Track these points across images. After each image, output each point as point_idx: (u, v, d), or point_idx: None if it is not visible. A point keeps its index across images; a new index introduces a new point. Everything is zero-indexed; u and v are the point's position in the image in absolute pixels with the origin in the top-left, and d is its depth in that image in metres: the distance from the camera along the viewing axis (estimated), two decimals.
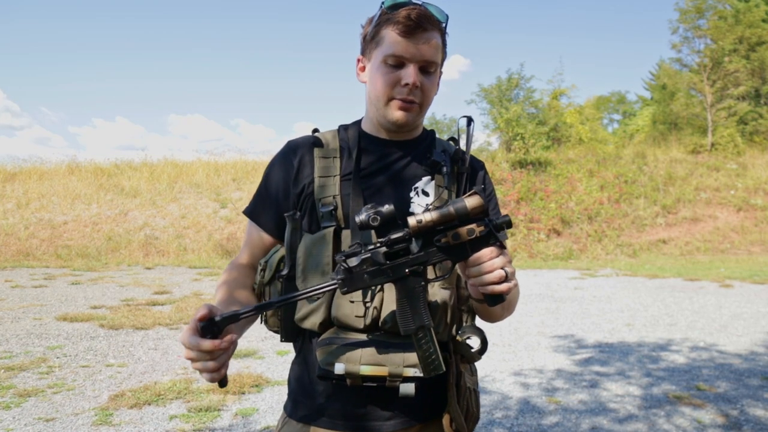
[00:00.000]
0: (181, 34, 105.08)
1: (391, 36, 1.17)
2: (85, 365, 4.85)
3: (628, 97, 39.21)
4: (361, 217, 1.01)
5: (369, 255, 1.02)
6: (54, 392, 4.16)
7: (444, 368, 1.07)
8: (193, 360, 1.00)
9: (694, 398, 4.13)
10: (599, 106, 35.29)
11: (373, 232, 1.09)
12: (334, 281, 1.02)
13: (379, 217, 1.00)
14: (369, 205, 1.02)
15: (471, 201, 1.01)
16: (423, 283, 1.05)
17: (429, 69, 1.20)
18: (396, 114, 1.21)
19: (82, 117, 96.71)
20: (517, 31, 77.37)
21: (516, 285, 1.22)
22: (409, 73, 1.17)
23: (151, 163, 18.15)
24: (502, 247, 1.04)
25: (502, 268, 1.02)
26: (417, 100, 1.20)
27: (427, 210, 1.01)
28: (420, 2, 1.19)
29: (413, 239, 1.03)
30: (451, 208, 1.00)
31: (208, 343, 0.97)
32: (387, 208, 1.01)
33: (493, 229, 1.03)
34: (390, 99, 1.20)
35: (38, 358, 5.01)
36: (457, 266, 1.09)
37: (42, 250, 13.49)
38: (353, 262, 1.01)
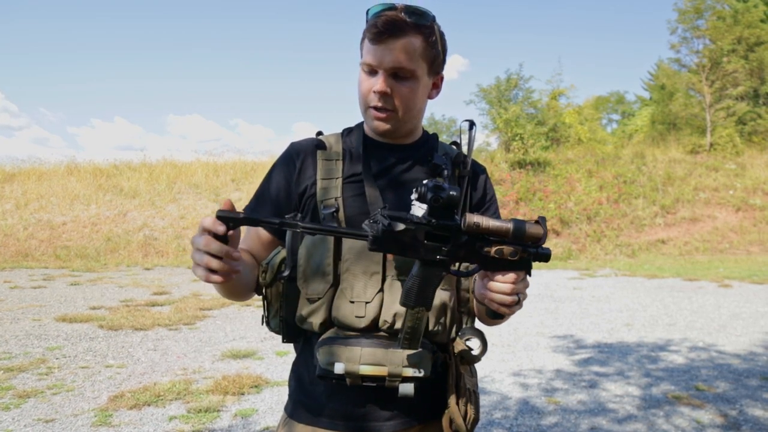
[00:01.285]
0: (179, 34, 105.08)
1: (365, 44, 1.18)
2: (85, 366, 4.85)
3: (626, 97, 39.24)
4: (422, 189, 0.99)
5: (413, 227, 0.99)
6: (53, 393, 4.16)
7: (419, 347, 1.08)
8: (201, 248, 0.96)
9: (693, 398, 4.14)
10: (598, 107, 35.31)
11: (421, 208, 1.07)
12: (368, 235, 0.98)
13: (441, 199, 0.98)
14: (437, 183, 0.99)
15: (532, 228, 1.00)
16: (444, 273, 1.04)
17: (401, 75, 1.18)
18: (373, 123, 1.22)
19: (81, 117, 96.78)
20: (516, 31, 77.46)
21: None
22: (377, 81, 1.17)
23: (150, 163, 18.16)
24: (529, 275, 1.06)
25: (518, 294, 1.05)
26: (389, 107, 1.19)
27: (488, 216, 1.00)
28: (402, 5, 1.18)
29: (460, 234, 1.01)
30: (510, 226, 0.99)
31: (220, 247, 0.95)
32: (453, 194, 0.98)
33: (534, 258, 1.03)
34: (366, 107, 1.22)
35: (37, 359, 5.00)
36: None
37: (41, 251, 13.48)
38: (398, 227, 0.98)
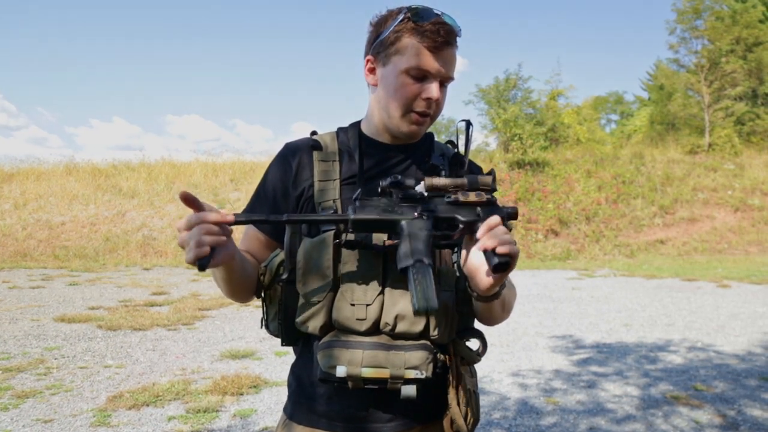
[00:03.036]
0: (177, 34, 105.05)
1: (416, 48, 1.16)
2: (83, 366, 4.85)
3: (625, 97, 39.28)
4: (384, 184, 1.07)
5: (384, 199, 1.07)
6: (52, 393, 4.16)
7: (437, 305, 1.03)
8: (187, 228, 0.96)
9: (692, 398, 4.14)
10: (597, 107, 35.34)
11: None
12: (346, 218, 1.05)
13: (402, 193, 1.07)
14: (392, 178, 1.07)
15: (482, 178, 1.10)
16: (430, 229, 1.06)
17: (446, 83, 1.21)
18: (411, 127, 1.22)
19: (79, 117, 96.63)
20: (515, 31, 77.51)
21: (512, 286, 1.26)
22: (433, 89, 1.17)
23: (148, 163, 18.15)
24: (508, 228, 1.10)
25: (509, 247, 1.04)
26: (431, 113, 1.21)
27: (441, 176, 1.08)
28: (439, 12, 1.18)
29: (426, 198, 1.09)
30: (465, 179, 1.09)
31: (213, 215, 0.98)
32: (409, 182, 1.07)
33: (495, 200, 1.11)
34: (408, 111, 1.20)
35: (36, 359, 5.00)
36: (462, 253, 1.10)
37: (39, 251, 13.47)
38: (371, 200, 1.07)
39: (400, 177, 1.06)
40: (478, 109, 24.53)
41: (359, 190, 1.09)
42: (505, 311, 1.26)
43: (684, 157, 18.82)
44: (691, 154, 19.55)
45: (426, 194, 1.08)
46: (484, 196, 1.09)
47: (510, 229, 1.10)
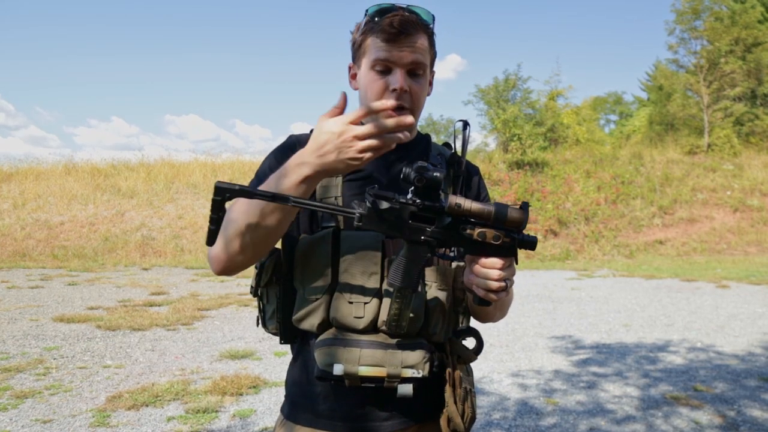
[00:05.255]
0: (176, 33, 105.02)
1: (376, 43, 1.18)
2: (82, 366, 4.84)
3: (624, 97, 39.26)
4: (408, 171, 1.00)
5: (398, 207, 1.01)
6: (51, 394, 4.15)
7: (404, 330, 1.09)
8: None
9: (692, 399, 4.14)
10: (596, 107, 35.33)
11: (410, 190, 1.07)
12: (356, 212, 1.00)
13: (425, 179, 0.99)
14: (421, 163, 1.01)
15: (513, 212, 1.00)
16: (430, 255, 1.05)
17: (416, 71, 1.20)
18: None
19: (78, 117, 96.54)
20: (514, 31, 77.49)
21: (510, 292, 1.24)
22: (397, 79, 1.17)
23: (147, 163, 18.13)
24: (516, 263, 1.06)
25: (505, 280, 1.04)
26: (407, 105, 1.20)
27: (470, 199, 1.02)
28: (405, 5, 1.19)
29: (444, 216, 1.03)
30: (492, 209, 1.00)
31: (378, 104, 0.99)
32: (436, 174, 1.00)
33: (519, 244, 1.04)
34: None
35: (35, 360, 4.99)
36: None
37: (38, 251, 13.46)
38: (383, 205, 1.00)
39: (428, 165, 1.00)
40: (478, 110, 24.56)
41: (375, 185, 1.06)
42: (501, 311, 1.28)
43: (683, 157, 18.84)
44: (690, 154, 19.58)
45: (445, 209, 1.01)
46: (503, 239, 1.02)
47: (515, 262, 1.07)
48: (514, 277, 1.10)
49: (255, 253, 1.12)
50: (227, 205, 1.01)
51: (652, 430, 3.60)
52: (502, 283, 1.04)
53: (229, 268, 1.14)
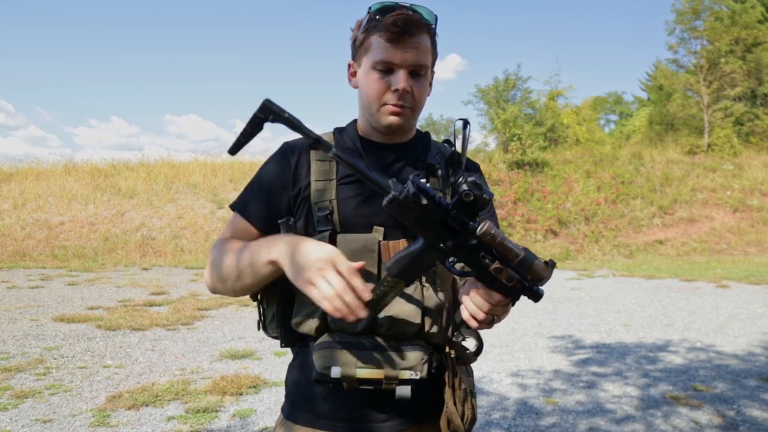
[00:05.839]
0: (176, 33, 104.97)
1: (378, 42, 1.17)
2: (83, 366, 4.84)
3: (624, 97, 39.30)
4: (460, 181, 0.97)
5: (434, 207, 0.98)
6: (51, 393, 4.15)
7: (374, 316, 1.10)
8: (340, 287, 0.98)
9: (692, 399, 4.14)
10: (596, 107, 35.33)
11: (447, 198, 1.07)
12: (391, 192, 0.96)
13: (473, 195, 0.96)
14: (475, 178, 0.97)
15: (539, 266, 0.98)
16: (438, 263, 1.05)
17: (419, 72, 1.19)
18: (388, 119, 1.21)
19: (78, 117, 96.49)
20: (514, 31, 77.48)
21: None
22: (399, 79, 1.17)
23: (147, 163, 18.13)
24: (514, 302, 1.06)
25: (493, 316, 1.06)
26: (408, 105, 1.20)
27: (507, 234, 1.00)
28: (408, 4, 1.19)
29: (470, 236, 1.00)
30: (520, 254, 0.97)
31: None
32: (486, 196, 0.97)
33: (526, 292, 1.03)
34: (382, 105, 1.20)
35: (35, 359, 4.99)
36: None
37: (38, 251, 13.46)
38: (423, 200, 0.97)
39: (483, 185, 0.98)
40: (478, 110, 24.54)
41: (419, 174, 1.07)
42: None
43: (683, 157, 18.84)
44: (690, 154, 19.57)
45: (473, 230, 0.99)
46: (515, 283, 1.01)
47: (512, 304, 1.06)
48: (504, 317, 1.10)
49: (247, 292, 1.21)
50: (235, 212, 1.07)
51: (651, 429, 3.60)
52: (489, 317, 1.04)
53: (222, 294, 1.22)
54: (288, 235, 1.10)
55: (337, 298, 0.97)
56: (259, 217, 1.23)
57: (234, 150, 1.02)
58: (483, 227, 0.97)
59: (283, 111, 0.96)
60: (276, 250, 1.07)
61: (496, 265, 1.00)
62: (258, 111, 0.96)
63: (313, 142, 0.98)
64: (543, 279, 0.99)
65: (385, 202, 0.97)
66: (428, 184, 1.00)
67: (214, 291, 1.23)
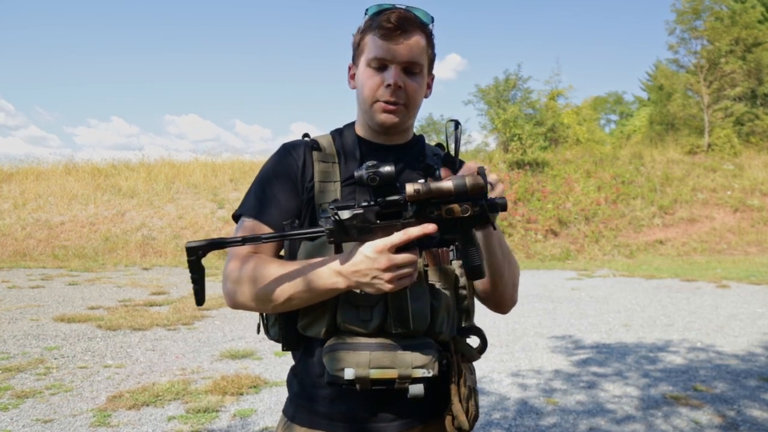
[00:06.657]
0: (176, 33, 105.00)
1: (373, 40, 1.19)
2: (83, 366, 4.85)
3: (625, 97, 39.25)
4: (360, 173, 1.02)
5: (361, 211, 1.03)
6: (52, 393, 4.16)
7: (411, 327, 1.12)
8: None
9: (692, 399, 4.14)
10: (596, 107, 35.29)
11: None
12: (323, 229, 1.03)
13: (378, 178, 1.02)
14: (370, 163, 1.03)
15: (471, 180, 1.02)
16: (417, 247, 1.07)
17: (413, 70, 1.20)
18: (381, 116, 1.21)
19: (78, 117, 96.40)
20: (514, 31, 77.42)
21: (515, 262, 1.29)
22: (391, 74, 1.17)
23: (148, 163, 18.14)
24: (493, 228, 1.10)
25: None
26: (401, 101, 1.20)
27: (426, 182, 1.03)
28: (404, 6, 1.20)
29: (408, 205, 1.04)
30: (450, 184, 1.01)
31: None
32: (387, 169, 1.02)
33: (488, 209, 1.05)
34: (375, 101, 1.21)
35: (36, 359, 5.00)
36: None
37: (39, 251, 13.46)
38: (345, 215, 1.01)
39: (381, 168, 1.03)
40: (478, 110, 24.63)
41: (336, 199, 1.10)
42: (512, 279, 1.28)
43: (683, 157, 18.83)
44: (690, 154, 19.56)
45: (403, 201, 1.03)
46: (470, 210, 1.04)
47: (493, 228, 1.12)
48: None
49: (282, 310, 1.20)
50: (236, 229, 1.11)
51: (652, 429, 3.60)
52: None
53: (248, 310, 1.22)
54: (333, 261, 1.08)
55: (400, 284, 1.04)
56: (279, 223, 1.21)
57: (200, 300, 1.10)
58: (407, 191, 1.01)
59: (203, 241, 1.05)
60: (333, 278, 1.08)
61: (445, 207, 1.04)
62: (188, 256, 1.06)
63: (239, 242, 1.05)
64: (483, 188, 1.02)
65: (327, 240, 1.04)
66: (354, 197, 1.09)
67: (238, 307, 1.20)
